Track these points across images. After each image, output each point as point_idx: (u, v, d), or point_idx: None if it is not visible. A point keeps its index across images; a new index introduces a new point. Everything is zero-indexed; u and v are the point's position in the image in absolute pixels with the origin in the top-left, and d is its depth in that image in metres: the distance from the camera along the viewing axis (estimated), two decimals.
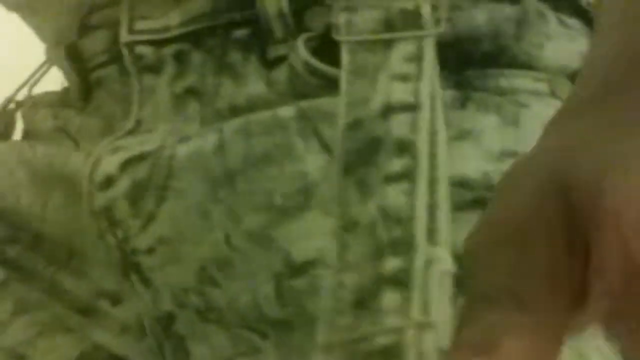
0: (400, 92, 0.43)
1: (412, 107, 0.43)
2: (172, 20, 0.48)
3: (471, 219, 0.42)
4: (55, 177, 0.51)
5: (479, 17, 0.46)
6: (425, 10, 0.44)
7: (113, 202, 0.47)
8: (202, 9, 0.47)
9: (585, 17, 0.48)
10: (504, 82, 0.45)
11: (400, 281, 0.41)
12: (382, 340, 0.40)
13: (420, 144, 0.42)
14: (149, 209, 0.46)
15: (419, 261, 0.40)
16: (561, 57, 0.47)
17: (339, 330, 0.41)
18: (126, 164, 0.47)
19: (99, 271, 0.50)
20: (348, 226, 0.42)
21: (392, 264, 0.41)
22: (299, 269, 0.43)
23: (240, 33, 0.46)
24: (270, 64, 0.46)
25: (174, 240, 0.46)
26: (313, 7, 0.46)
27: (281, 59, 0.46)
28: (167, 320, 0.47)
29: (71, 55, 0.52)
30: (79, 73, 0.52)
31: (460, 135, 0.44)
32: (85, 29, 0.51)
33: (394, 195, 0.42)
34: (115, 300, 0.50)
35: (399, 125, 0.43)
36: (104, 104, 0.51)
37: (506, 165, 0.43)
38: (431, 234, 0.41)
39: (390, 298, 0.40)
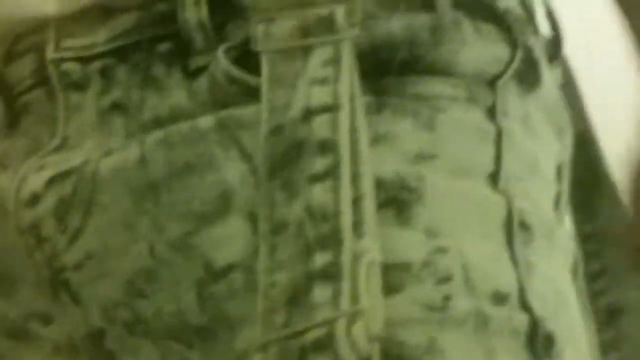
0: (319, 95, 0.44)
1: (331, 108, 0.44)
2: (99, 37, 0.48)
3: (386, 218, 0.43)
4: None
5: (396, 26, 0.46)
6: (340, 16, 0.45)
7: (40, 219, 0.47)
8: (127, 26, 0.48)
9: (501, 23, 0.49)
10: (421, 89, 0.46)
11: (330, 275, 0.41)
12: (314, 334, 0.41)
13: (341, 142, 0.43)
14: (75, 225, 0.47)
15: (346, 254, 0.41)
16: (478, 63, 0.48)
17: (273, 329, 0.42)
18: (52, 182, 0.47)
19: (29, 292, 0.50)
20: (276, 228, 0.43)
21: (321, 259, 0.42)
22: (219, 274, 0.44)
23: (164, 47, 0.47)
24: (192, 75, 0.47)
25: (101, 254, 0.46)
26: (233, 20, 0.47)
27: (203, 70, 0.46)
28: (98, 337, 0.47)
29: None
30: (6, 100, 0.52)
31: (376, 139, 0.45)
32: (11, 56, 0.51)
33: (320, 193, 0.43)
34: (46, 320, 0.50)
35: (320, 127, 0.44)
36: (31, 126, 0.51)
37: (422, 167, 0.45)
38: (357, 227, 0.42)
39: (321, 292, 0.41)
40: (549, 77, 0.52)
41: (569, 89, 0.56)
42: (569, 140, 0.53)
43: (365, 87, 0.45)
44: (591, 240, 0.56)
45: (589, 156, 0.57)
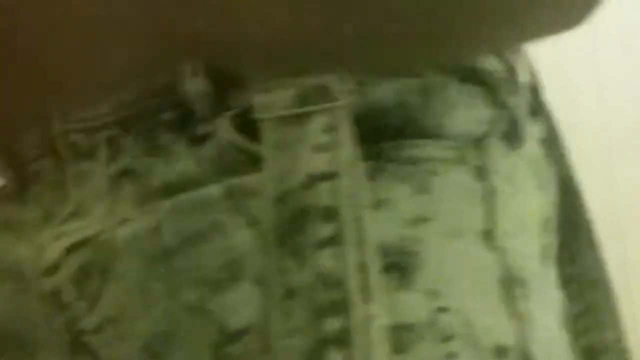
0: (320, 162, 0.46)
1: (332, 175, 0.46)
2: (102, 108, 0.50)
3: (389, 282, 0.46)
4: (1, 270, 0.53)
5: (386, 91, 0.49)
6: (334, 84, 0.47)
7: (59, 286, 0.50)
8: (130, 97, 0.50)
9: (486, 85, 0.52)
10: (414, 152, 0.49)
11: (342, 340, 0.44)
12: None
13: (343, 209, 0.46)
14: (93, 291, 0.49)
15: (356, 320, 0.44)
16: (465, 124, 0.51)
17: None
18: (70, 250, 0.50)
19: (47, 354, 0.52)
20: (288, 294, 0.45)
21: (332, 324, 0.44)
22: (234, 337, 0.46)
23: (168, 115, 0.49)
24: (197, 143, 0.49)
25: (119, 318, 0.49)
26: (233, 88, 0.49)
27: (208, 137, 0.49)
28: None
29: (5, 153, 0.55)
30: (14, 169, 0.54)
31: (376, 204, 0.47)
32: (18, 128, 0.53)
33: (327, 259, 0.45)
34: None
35: (322, 193, 0.46)
36: (41, 194, 0.53)
37: (420, 230, 0.47)
38: (364, 292, 0.45)
39: (334, 357, 0.44)
40: (532, 132, 0.55)
41: (552, 137, 0.59)
42: (552, 192, 0.56)
43: (361, 152, 0.47)
44: (572, 282, 0.59)
45: (571, 201, 0.59)
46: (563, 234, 0.58)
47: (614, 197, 1.80)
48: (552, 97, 1.92)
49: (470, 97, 0.51)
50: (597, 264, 0.60)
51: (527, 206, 0.52)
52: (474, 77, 0.52)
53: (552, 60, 1.88)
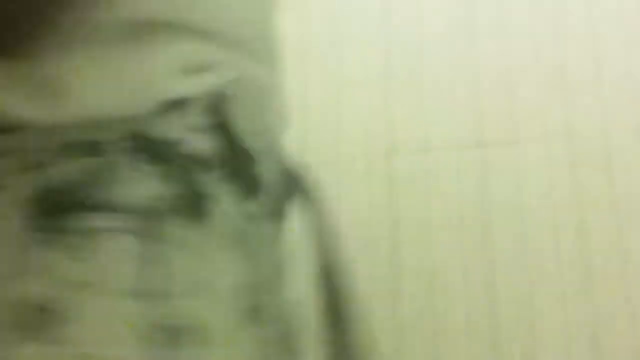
0: None
1: None
2: None
3: (35, 336, 0.52)
4: None
5: (65, 171, 0.55)
6: (7, 167, 0.55)
7: None
8: None
9: (170, 163, 0.58)
10: (83, 224, 0.55)
11: None
12: None
13: None
14: None
15: None
16: (137, 198, 0.56)
17: None
18: None
19: None
20: None
21: None
22: None
23: None
24: None
25: None
26: None
27: None
28: None
29: None
30: None
31: (35, 270, 0.53)
32: None
33: None
34: None
35: None
36: None
37: (74, 291, 0.53)
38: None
39: None
40: (235, 208, 0.60)
41: (319, 224, 0.64)
42: (260, 264, 0.61)
43: (30, 224, 0.54)
44: (341, 356, 0.64)
45: (333, 285, 0.64)
46: (330, 313, 0.63)
47: (614, 197, 1.79)
48: (551, 97, 1.94)
49: (143, 173, 0.57)
50: (356, 347, 0.65)
51: (210, 270, 0.57)
52: (153, 157, 0.57)
53: (552, 60, 1.87)
